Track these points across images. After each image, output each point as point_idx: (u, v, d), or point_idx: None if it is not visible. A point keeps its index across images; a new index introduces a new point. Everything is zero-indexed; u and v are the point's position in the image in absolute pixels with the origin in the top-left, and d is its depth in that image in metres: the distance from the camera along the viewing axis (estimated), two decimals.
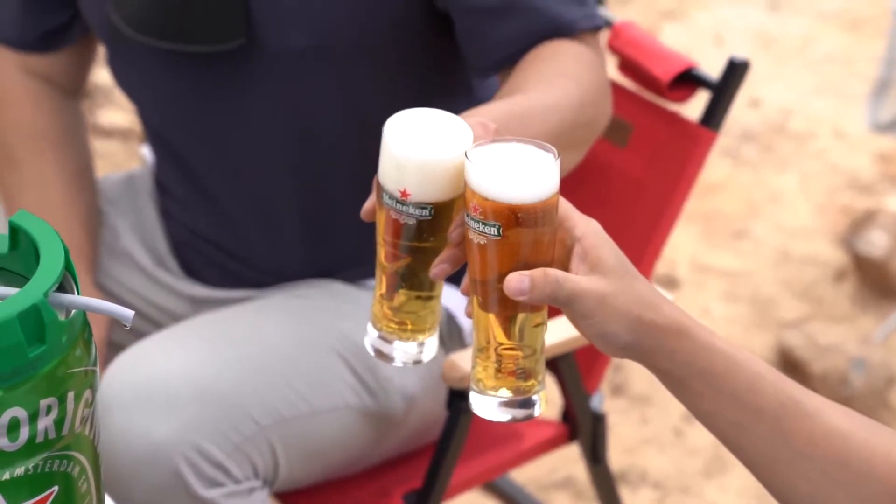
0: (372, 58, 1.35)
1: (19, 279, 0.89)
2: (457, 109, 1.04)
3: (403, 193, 0.93)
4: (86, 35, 1.51)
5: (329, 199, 1.43)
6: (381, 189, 0.95)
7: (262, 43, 1.32)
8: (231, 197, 1.45)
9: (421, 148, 0.93)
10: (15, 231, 0.89)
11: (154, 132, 1.48)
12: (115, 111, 3.12)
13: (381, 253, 0.97)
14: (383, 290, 0.98)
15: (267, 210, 1.44)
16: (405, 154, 0.92)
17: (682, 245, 2.67)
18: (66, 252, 0.87)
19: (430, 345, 1.00)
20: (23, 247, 0.89)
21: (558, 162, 0.90)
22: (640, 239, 1.49)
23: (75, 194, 1.50)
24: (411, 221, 0.94)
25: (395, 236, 0.95)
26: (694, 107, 1.52)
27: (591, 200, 0.96)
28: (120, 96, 3.13)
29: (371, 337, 1.00)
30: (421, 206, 0.93)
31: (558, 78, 1.23)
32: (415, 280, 0.97)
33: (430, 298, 0.98)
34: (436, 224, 0.94)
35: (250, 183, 1.43)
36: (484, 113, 1.08)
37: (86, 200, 1.52)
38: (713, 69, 1.51)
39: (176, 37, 1.33)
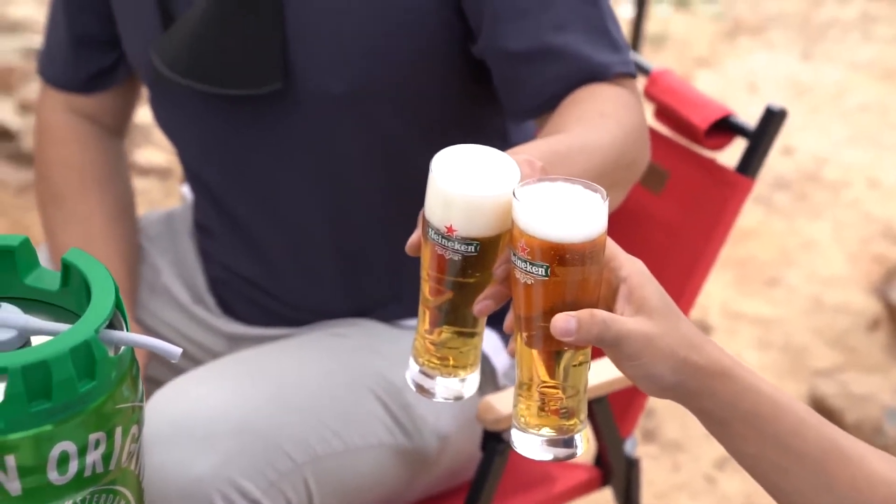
0: (407, 103, 1.36)
1: (69, 315, 0.91)
2: None
3: (449, 229, 0.93)
4: (130, 77, 1.53)
5: (364, 239, 1.44)
6: (426, 224, 0.95)
7: (298, 87, 1.34)
8: (267, 237, 1.46)
9: (468, 184, 0.92)
10: (67, 268, 0.91)
11: (193, 172, 1.50)
12: (153, 150, 3.15)
13: (425, 288, 0.97)
14: (426, 325, 0.98)
15: (303, 250, 1.46)
16: (452, 190, 0.92)
17: (714, 291, 2.67)
18: (116, 289, 0.88)
19: (472, 381, 1.00)
20: (74, 284, 0.91)
21: (607, 202, 0.90)
22: (676, 285, 1.50)
23: (117, 231, 1.52)
24: (456, 257, 0.93)
25: (440, 272, 0.95)
26: (729, 154, 1.53)
27: (626, 246, 0.96)
28: (158, 136, 3.17)
29: (412, 371, 0.99)
30: (467, 242, 0.93)
31: (599, 118, 1.24)
32: (458, 315, 0.97)
33: (472, 335, 0.98)
34: (481, 260, 0.94)
35: (286, 223, 1.45)
36: (528, 151, 1.08)
37: (127, 237, 1.54)
38: (747, 117, 1.52)
39: (214, 80, 1.35)
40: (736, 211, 1.50)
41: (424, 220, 0.95)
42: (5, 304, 0.89)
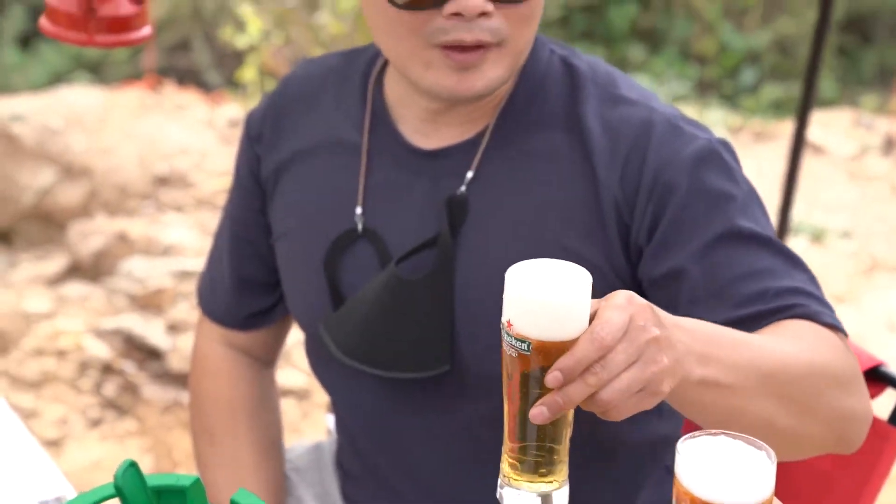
0: None
1: None
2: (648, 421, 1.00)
3: (508, 324, 0.97)
4: (285, 315, 1.58)
5: None
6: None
7: (462, 370, 1.36)
8: (409, 494, 1.46)
9: (526, 283, 0.97)
10: None
11: (340, 419, 1.52)
12: (292, 370, 3.20)
13: (504, 393, 1.01)
14: (505, 432, 1.01)
15: None
16: (512, 288, 0.97)
17: None
18: None
19: (558, 498, 1.00)
20: None
21: (774, 462, 0.90)
22: None
23: (265, 464, 1.55)
24: (514, 354, 0.97)
25: (506, 371, 0.99)
26: (881, 400, 1.50)
27: (780, 491, 0.95)
28: (297, 357, 3.23)
29: (499, 489, 1.01)
30: (520, 339, 0.97)
31: (791, 335, 1.19)
32: (527, 426, 0.99)
33: (550, 450, 0.99)
34: (535, 363, 0.97)
35: (433, 490, 1.44)
36: (683, 322, 1.05)
37: (275, 469, 1.56)
38: (887, 356, 1.49)
39: (383, 365, 1.38)
40: (890, 464, 1.46)
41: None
42: None
